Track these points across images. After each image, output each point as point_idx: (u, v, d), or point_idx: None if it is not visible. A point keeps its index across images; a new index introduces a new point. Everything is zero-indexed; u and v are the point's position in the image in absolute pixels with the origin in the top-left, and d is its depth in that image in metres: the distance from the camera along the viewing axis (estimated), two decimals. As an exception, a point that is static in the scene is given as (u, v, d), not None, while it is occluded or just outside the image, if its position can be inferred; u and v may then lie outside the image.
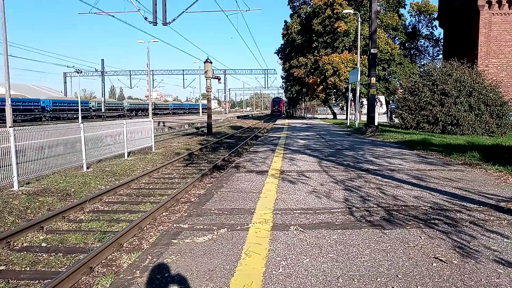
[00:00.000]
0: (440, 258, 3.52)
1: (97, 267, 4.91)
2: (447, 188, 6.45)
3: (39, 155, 9.42)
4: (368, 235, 4.19)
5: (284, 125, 31.79)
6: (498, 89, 19.37)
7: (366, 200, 5.73)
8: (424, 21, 46.65)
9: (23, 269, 4.93)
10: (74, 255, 5.37)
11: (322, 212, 5.11)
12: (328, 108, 57.34)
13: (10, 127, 9.42)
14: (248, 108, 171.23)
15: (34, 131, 9.42)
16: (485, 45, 25.53)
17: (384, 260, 3.51)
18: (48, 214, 6.91)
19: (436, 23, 40.83)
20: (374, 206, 5.37)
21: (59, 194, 8.56)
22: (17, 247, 5.67)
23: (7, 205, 7.32)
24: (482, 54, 25.49)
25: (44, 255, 5.39)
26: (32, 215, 7.19)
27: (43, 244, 5.80)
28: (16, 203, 7.51)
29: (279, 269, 3.36)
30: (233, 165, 9.85)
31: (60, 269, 4.90)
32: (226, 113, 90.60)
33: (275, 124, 35.57)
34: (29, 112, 46.68)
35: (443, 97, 18.98)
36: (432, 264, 3.39)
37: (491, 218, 4.71)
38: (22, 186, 8.73)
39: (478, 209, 5.15)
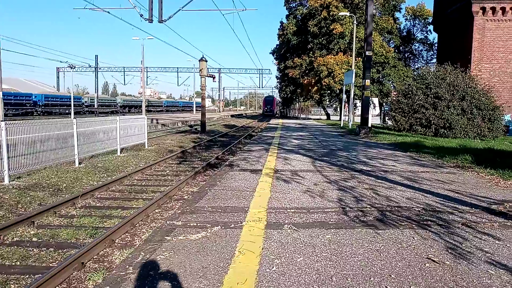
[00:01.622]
0: (433, 258, 3.54)
1: (89, 262, 4.87)
2: (440, 190, 6.50)
3: (30, 150, 9.32)
4: (361, 235, 4.21)
5: (278, 124, 31.83)
6: (490, 94, 19.63)
7: (359, 200, 5.76)
8: (419, 26, 46.97)
9: (14, 264, 4.87)
10: (65, 250, 5.33)
11: (316, 212, 5.12)
12: (322, 109, 57.54)
13: (1, 121, 9.32)
14: (242, 107, 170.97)
15: (26, 126, 9.32)
16: (479, 50, 25.79)
17: (378, 259, 3.52)
18: (39, 209, 6.85)
19: (431, 27, 41.24)
20: (368, 206, 5.40)
21: (51, 189, 8.47)
22: (7, 242, 5.59)
23: (-3, 199, 7.23)
24: (475, 59, 25.75)
25: (35, 249, 5.33)
26: (23, 210, 7.11)
27: (34, 239, 5.74)
28: (7, 197, 7.42)
29: (273, 267, 3.36)
30: (227, 163, 9.83)
31: (51, 264, 4.86)
32: (220, 112, 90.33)
33: (269, 124, 35.59)
34: (21, 106, 46.17)
35: (436, 100, 19.15)
36: (425, 265, 3.41)
37: (483, 220, 4.76)
38: (13, 181, 8.63)
39: (470, 211, 5.20)
